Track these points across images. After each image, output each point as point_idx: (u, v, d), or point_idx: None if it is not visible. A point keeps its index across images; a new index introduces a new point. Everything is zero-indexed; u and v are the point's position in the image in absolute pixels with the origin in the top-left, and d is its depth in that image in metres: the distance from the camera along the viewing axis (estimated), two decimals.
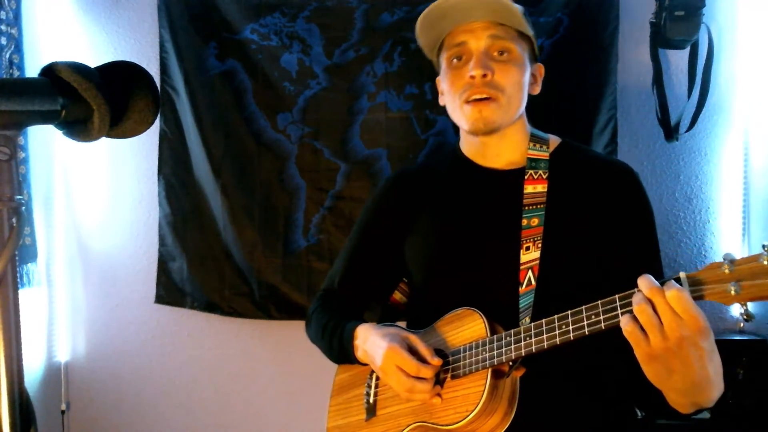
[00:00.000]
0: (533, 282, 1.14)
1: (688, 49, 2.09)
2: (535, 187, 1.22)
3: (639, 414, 1.97)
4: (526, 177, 1.23)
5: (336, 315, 1.36)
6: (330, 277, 1.48)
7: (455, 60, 1.24)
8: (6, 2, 2.07)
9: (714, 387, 0.94)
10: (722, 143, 2.18)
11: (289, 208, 2.27)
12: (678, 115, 2.10)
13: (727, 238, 2.16)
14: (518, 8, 1.21)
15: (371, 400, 1.27)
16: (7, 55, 2.08)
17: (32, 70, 2.17)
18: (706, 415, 1.92)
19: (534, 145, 1.27)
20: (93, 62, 0.72)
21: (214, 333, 2.38)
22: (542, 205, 1.19)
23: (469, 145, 1.33)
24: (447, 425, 1.09)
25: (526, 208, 1.20)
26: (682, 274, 0.88)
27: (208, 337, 2.39)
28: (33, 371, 2.29)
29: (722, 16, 2.13)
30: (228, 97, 2.26)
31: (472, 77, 1.18)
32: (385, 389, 1.25)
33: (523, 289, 1.14)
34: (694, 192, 2.19)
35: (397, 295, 1.46)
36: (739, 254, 0.88)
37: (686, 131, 2.11)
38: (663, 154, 2.20)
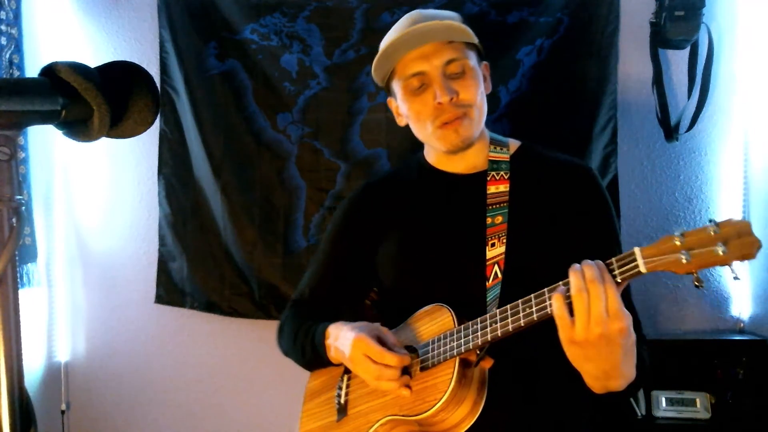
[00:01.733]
0: (499, 275, 1.19)
1: (688, 49, 2.09)
2: (497, 188, 1.28)
3: (639, 414, 1.98)
4: (488, 178, 1.29)
5: (308, 321, 1.38)
6: (300, 289, 1.49)
7: (414, 87, 1.26)
8: (6, 2, 2.07)
9: (622, 377, 1.02)
10: (722, 143, 2.18)
11: (289, 208, 2.27)
12: (678, 115, 2.10)
13: None
14: (460, 20, 1.26)
15: (342, 401, 1.29)
16: (7, 55, 2.08)
17: (32, 70, 2.17)
18: (706, 415, 1.92)
19: (494, 148, 1.33)
20: (93, 62, 0.72)
21: (214, 333, 2.38)
22: (505, 204, 1.25)
23: (434, 155, 1.37)
24: (416, 415, 1.10)
25: (490, 207, 1.26)
26: (636, 249, 0.94)
27: (208, 337, 2.39)
28: (33, 371, 2.29)
29: (722, 16, 2.13)
30: (228, 97, 2.26)
31: (440, 104, 1.22)
32: (355, 388, 1.27)
33: (489, 283, 1.20)
34: (694, 192, 2.19)
35: (366, 302, 1.49)
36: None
37: (686, 131, 2.11)
38: (663, 154, 2.20)
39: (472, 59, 1.27)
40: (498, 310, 1.08)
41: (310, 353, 1.32)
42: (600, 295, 0.93)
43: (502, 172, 1.29)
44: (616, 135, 2.13)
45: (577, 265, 0.98)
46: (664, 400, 1.95)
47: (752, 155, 2.15)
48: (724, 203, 2.17)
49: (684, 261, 0.90)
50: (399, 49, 1.24)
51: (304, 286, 1.48)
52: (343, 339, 1.22)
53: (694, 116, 2.09)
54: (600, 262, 0.97)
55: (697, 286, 0.93)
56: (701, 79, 2.08)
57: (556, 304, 0.96)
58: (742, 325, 2.13)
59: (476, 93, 1.25)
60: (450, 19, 1.26)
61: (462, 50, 1.25)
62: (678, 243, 0.91)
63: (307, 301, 1.46)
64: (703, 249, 0.89)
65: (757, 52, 2.12)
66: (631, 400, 1.96)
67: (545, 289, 1.02)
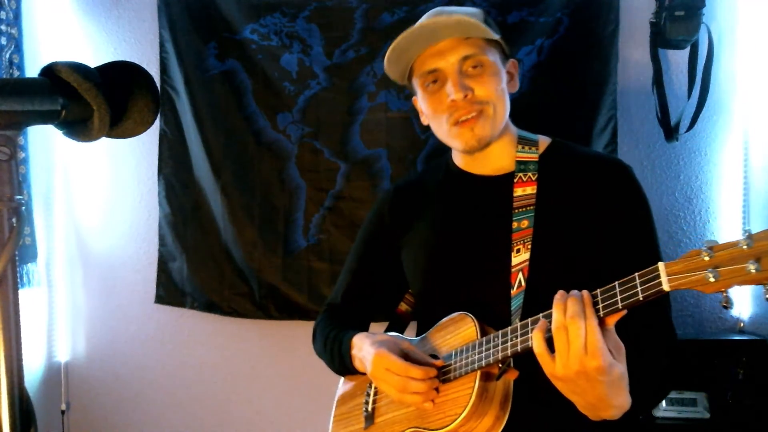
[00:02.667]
0: (523, 284, 1.14)
1: (688, 49, 2.08)
2: (524, 190, 1.22)
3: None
4: (515, 180, 1.23)
5: (337, 327, 1.37)
6: (334, 292, 1.48)
7: (430, 84, 1.23)
8: (6, 2, 2.07)
9: (612, 407, 0.97)
10: (722, 143, 2.18)
11: (289, 208, 2.27)
12: (678, 115, 2.10)
13: (727, 238, 2.14)
14: (479, 16, 1.22)
15: (370, 408, 1.28)
16: (7, 55, 2.08)
17: (32, 70, 2.17)
18: (706, 415, 1.92)
19: (522, 148, 1.27)
20: (93, 62, 0.72)
21: (214, 333, 2.38)
22: (531, 207, 1.19)
23: (459, 156, 1.34)
24: (437, 429, 1.09)
25: (516, 211, 1.20)
26: (660, 265, 0.87)
27: (208, 337, 2.39)
28: (33, 371, 2.29)
29: (722, 16, 2.13)
30: (228, 97, 2.26)
31: (454, 101, 1.18)
32: (382, 397, 1.26)
33: (514, 291, 1.15)
34: (694, 192, 2.19)
35: (403, 306, 1.47)
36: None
37: (686, 131, 2.11)
38: (663, 154, 2.20)
39: (492, 55, 1.22)
40: (519, 324, 1.04)
41: (337, 360, 1.31)
42: (580, 333, 0.89)
43: (529, 174, 1.23)
44: (616, 135, 2.13)
45: (560, 296, 0.94)
46: (664, 400, 1.95)
47: (752, 155, 2.15)
48: (724, 203, 2.17)
49: (712, 279, 0.81)
50: (415, 46, 1.21)
51: (337, 290, 1.46)
52: (365, 353, 1.20)
53: (694, 116, 2.09)
54: (586, 293, 0.93)
55: (725, 307, 0.85)
56: (701, 79, 2.07)
57: (536, 342, 0.94)
58: (742, 325, 2.13)
59: (494, 89, 1.20)
60: (468, 15, 1.20)
61: (480, 46, 1.20)
62: (706, 259, 0.82)
63: (339, 306, 1.44)
64: (734, 266, 0.80)
65: (757, 52, 2.11)
66: None
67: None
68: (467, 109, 1.19)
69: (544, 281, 1.12)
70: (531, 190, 1.21)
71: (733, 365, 1.98)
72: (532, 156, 1.26)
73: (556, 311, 0.93)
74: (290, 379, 2.36)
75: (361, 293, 1.43)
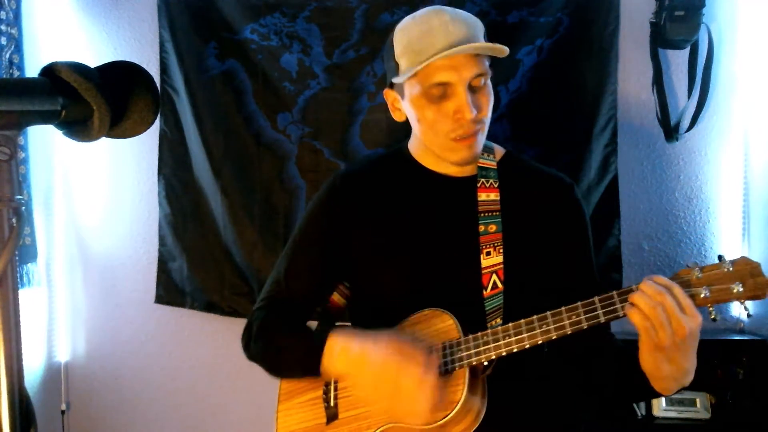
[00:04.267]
0: (499, 285, 1.19)
1: (688, 49, 2.09)
2: (488, 195, 1.27)
3: (639, 414, 1.98)
4: (478, 185, 1.27)
5: (293, 321, 1.30)
6: (272, 285, 1.37)
7: (435, 95, 1.18)
8: (6, 2, 2.07)
9: (694, 369, 1.08)
10: (722, 143, 2.18)
11: (289, 208, 2.27)
12: (678, 116, 2.10)
13: (727, 238, 2.16)
14: (483, 30, 1.22)
15: (332, 403, 1.25)
16: (7, 55, 2.08)
17: (32, 70, 2.17)
18: (706, 415, 1.92)
19: (483, 155, 1.29)
20: (93, 62, 0.72)
21: (214, 333, 2.38)
22: (497, 213, 1.24)
23: (421, 151, 1.32)
24: (423, 424, 1.08)
25: (482, 215, 1.24)
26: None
27: (208, 337, 2.39)
28: (33, 371, 2.29)
29: (722, 16, 2.13)
30: (228, 97, 2.26)
31: (465, 119, 1.16)
32: (347, 391, 1.23)
33: (488, 292, 1.19)
34: (694, 192, 2.19)
35: (336, 297, 1.41)
36: (738, 254, 0.94)
37: (686, 131, 2.11)
38: (663, 154, 2.20)
39: (490, 73, 1.22)
40: (512, 324, 1.09)
41: (296, 358, 1.22)
42: (671, 303, 0.98)
43: (491, 180, 1.28)
44: (616, 135, 2.13)
45: (637, 290, 1.02)
46: (663, 400, 1.95)
47: (752, 155, 2.15)
48: (724, 203, 2.17)
49: (702, 296, 1.00)
50: (432, 50, 1.15)
51: (281, 279, 1.34)
52: (360, 346, 1.13)
53: (694, 116, 2.09)
54: (656, 279, 1.02)
55: (713, 320, 1.02)
56: (701, 79, 2.08)
57: (636, 318, 1.00)
58: (742, 325, 2.13)
59: (489, 109, 1.23)
60: (481, 29, 1.21)
61: (485, 64, 1.20)
62: (696, 277, 1.01)
63: (284, 298, 1.34)
64: (722, 286, 0.99)
65: (757, 52, 2.11)
66: None
67: (563, 308, 1.06)
68: (472, 128, 1.19)
69: (522, 282, 1.20)
70: (495, 196, 1.27)
71: (733, 365, 1.98)
72: (491, 164, 1.31)
73: (640, 299, 1.00)
74: None
75: (307, 283, 1.34)
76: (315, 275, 1.34)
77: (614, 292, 1.04)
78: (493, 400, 1.12)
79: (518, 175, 1.31)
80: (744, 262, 0.99)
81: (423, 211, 1.28)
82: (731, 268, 0.99)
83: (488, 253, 1.21)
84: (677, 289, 0.99)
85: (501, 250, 1.21)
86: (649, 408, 1.96)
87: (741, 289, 0.98)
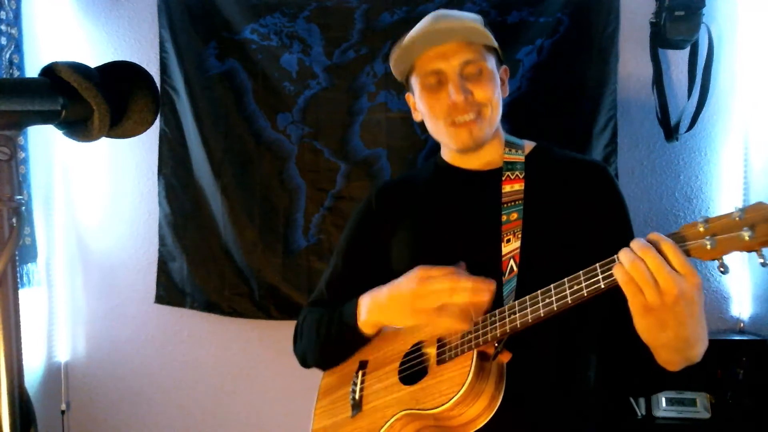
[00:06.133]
0: (515, 269, 1.20)
1: (688, 49, 2.09)
2: (512, 186, 1.28)
3: (639, 414, 1.98)
4: (503, 178, 1.30)
5: (329, 310, 1.39)
6: (316, 291, 1.50)
7: (431, 84, 1.28)
8: (6, 2, 2.07)
9: (702, 342, 1.02)
10: (722, 143, 2.18)
11: (289, 208, 2.27)
12: (678, 115, 2.10)
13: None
14: (480, 22, 1.28)
15: (357, 396, 1.28)
16: (7, 55, 2.08)
17: (32, 70, 2.17)
18: (706, 415, 1.92)
19: (509, 150, 1.34)
20: (93, 62, 0.72)
21: (214, 333, 2.38)
22: (520, 201, 1.26)
23: (449, 153, 1.40)
24: (433, 408, 1.08)
25: (505, 205, 1.26)
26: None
27: (208, 337, 2.39)
28: (33, 371, 2.29)
29: (722, 16, 2.13)
30: (228, 97, 2.26)
31: (454, 102, 1.24)
32: (371, 384, 1.27)
33: (506, 277, 1.20)
34: (694, 192, 2.19)
35: None
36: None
37: (686, 131, 2.11)
38: (663, 154, 2.20)
39: (490, 62, 1.28)
40: (516, 302, 1.07)
41: (335, 336, 1.32)
42: (657, 259, 0.89)
43: (517, 172, 1.30)
44: (616, 135, 2.13)
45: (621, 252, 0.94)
46: (664, 400, 1.95)
47: (752, 155, 2.15)
48: (724, 203, 2.17)
49: (709, 247, 0.88)
50: (419, 45, 1.26)
51: (322, 286, 1.48)
52: (389, 293, 1.22)
53: (694, 116, 2.09)
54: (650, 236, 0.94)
55: (722, 272, 0.90)
56: (701, 79, 2.08)
57: (620, 273, 0.91)
58: (742, 325, 2.13)
59: (492, 94, 1.27)
60: (472, 21, 1.28)
61: (480, 52, 1.26)
62: (702, 229, 0.89)
63: (325, 301, 1.46)
64: (729, 234, 0.87)
65: (757, 52, 2.12)
66: (631, 399, 1.97)
67: (565, 279, 1.00)
68: (465, 110, 1.25)
69: (536, 265, 1.18)
70: (519, 186, 1.28)
71: (733, 365, 1.98)
72: (518, 158, 1.33)
73: (622, 254, 0.92)
74: (290, 379, 2.35)
75: (348, 288, 1.42)
76: (353, 285, 1.40)
77: (615, 256, 0.96)
78: (513, 387, 1.09)
79: (546, 164, 1.32)
80: (759, 207, 0.86)
81: (450, 208, 1.33)
82: (742, 216, 0.86)
83: (508, 240, 1.23)
84: (667, 244, 0.90)
85: (519, 236, 1.22)
86: (649, 408, 1.96)
87: (750, 235, 0.84)
